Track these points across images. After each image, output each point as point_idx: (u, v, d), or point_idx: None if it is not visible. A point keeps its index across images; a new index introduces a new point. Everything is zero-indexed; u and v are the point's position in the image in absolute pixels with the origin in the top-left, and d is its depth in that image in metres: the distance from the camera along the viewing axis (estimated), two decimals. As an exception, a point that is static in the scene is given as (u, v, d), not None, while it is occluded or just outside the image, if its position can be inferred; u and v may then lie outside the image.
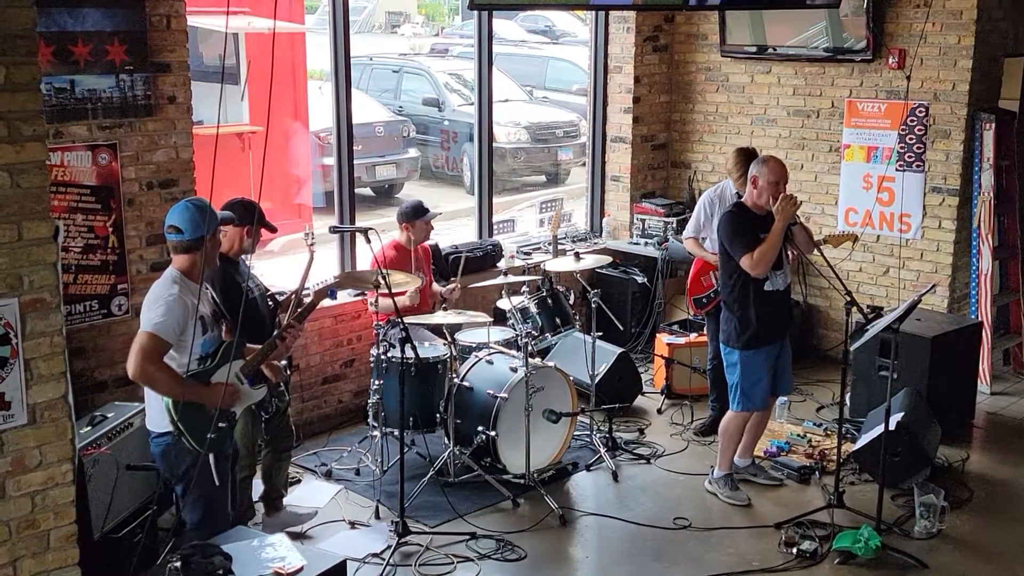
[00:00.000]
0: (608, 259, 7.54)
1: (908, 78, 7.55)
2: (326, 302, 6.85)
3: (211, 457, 4.35)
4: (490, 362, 6.19)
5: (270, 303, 5.59)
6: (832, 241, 6.54)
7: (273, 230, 5.44)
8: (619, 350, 7.36)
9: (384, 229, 6.37)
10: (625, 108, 8.83)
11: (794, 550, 5.40)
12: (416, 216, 6.66)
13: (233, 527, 4.49)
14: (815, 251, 5.95)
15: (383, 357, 5.99)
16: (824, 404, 7.42)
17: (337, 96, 7.04)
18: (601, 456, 6.45)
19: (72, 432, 3.81)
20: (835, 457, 5.99)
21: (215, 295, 4.72)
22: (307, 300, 5.24)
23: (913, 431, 5.99)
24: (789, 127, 8.38)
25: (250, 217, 5.14)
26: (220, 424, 4.37)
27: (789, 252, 5.86)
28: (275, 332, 4.87)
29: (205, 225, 4.40)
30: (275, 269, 7.60)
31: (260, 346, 4.72)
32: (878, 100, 7.83)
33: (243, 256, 5.34)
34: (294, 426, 5.91)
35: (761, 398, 5.89)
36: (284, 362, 5.71)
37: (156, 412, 4.40)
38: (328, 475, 6.24)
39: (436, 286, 7.02)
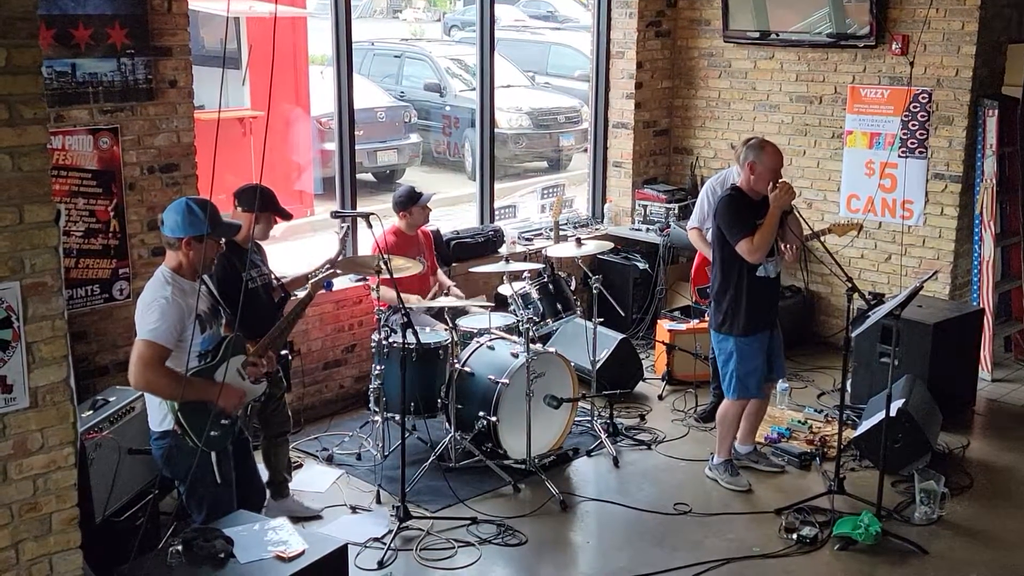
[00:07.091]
0: (609, 245, 7.51)
1: (911, 64, 7.52)
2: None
3: (213, 455, 4.30)
4: (491, 348, 6.20)
5: (280, 293, 5.56)
6: (837, 230, 6.53)
7: (287, 217, 5.40)
8: (620, 336, 7.36)
9: (385, 215, 6.36)
10: (627, 94, 8.81)
11: (794, 536, 5.41)
12: (412, 203, 6.64)
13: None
14: (807, 242, 6.00)
15: (384, 342, 5.99)
16: (825, 390, 7.42)
17: (339, 81, 7.03)
18: (602, 442, 6.45)
19: (74, 416, 3.79)
20: (836, 443, 5.99)
21: (212, 288, 4.55)
22: (303, 293, 5.24)
23: (914, 418, 5.99)
24: (792, 113, 8.36)
25: (259, 203, 5.12)
26: (223, 421, 4.31)
27: (782, 245, 5.82)
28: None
29: (188, 228, 4.21)
30: (276, 255, 7.55)
31: (260, 341, 4.69)
32: (881, 86, 7.81)
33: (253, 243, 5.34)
34: (292, 412, 5.88)
35: (756, 385, 5.89)
36: (284, 349, 5.71)
37: (157, 412, 4.32)
38: (329, 460, 6.26)
39: (442, 276, 7.01)
